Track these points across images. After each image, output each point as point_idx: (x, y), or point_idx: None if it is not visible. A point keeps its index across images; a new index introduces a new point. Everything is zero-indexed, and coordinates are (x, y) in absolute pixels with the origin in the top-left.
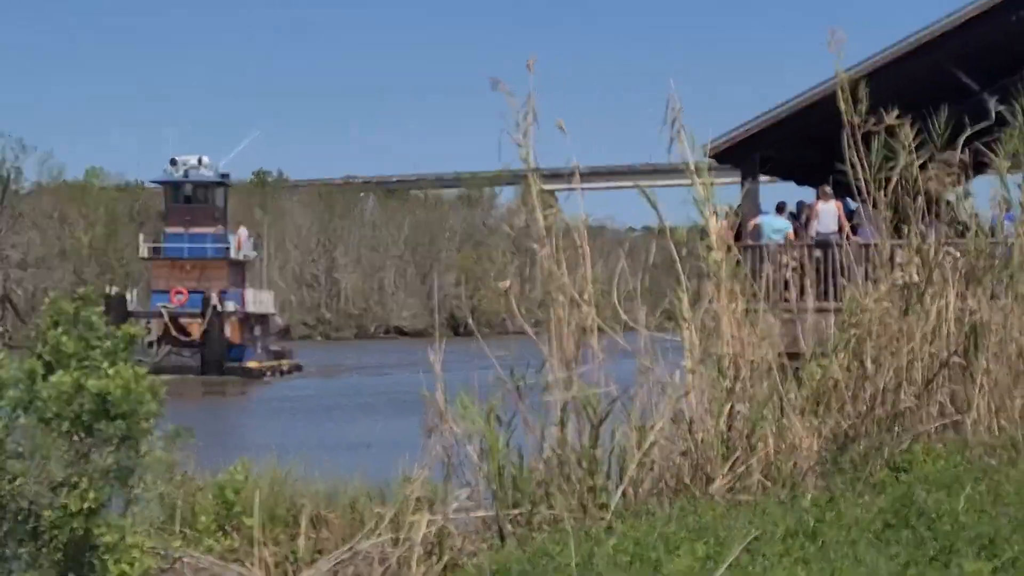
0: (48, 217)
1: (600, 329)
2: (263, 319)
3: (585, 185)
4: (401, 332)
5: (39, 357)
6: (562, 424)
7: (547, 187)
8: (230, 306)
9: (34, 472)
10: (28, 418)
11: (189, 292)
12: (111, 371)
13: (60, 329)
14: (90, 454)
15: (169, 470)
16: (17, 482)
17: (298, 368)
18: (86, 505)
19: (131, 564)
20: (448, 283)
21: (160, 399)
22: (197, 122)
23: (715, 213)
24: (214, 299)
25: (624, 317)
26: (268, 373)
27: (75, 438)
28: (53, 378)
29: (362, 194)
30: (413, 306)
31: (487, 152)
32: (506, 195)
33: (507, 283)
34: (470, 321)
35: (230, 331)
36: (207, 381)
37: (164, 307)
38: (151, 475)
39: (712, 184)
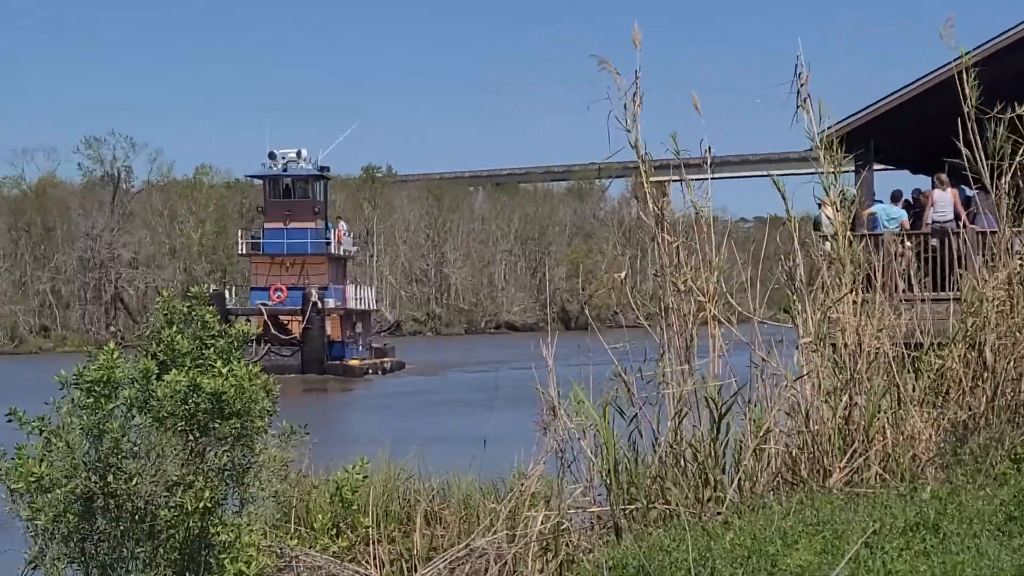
0: (158, 215)
1: (716, 320)
2: (365, 315)
3: (695, 176)
4: (511, 327)
5: (153, 356)
6: (678, 417)
7: (657, 179)
8: (330, 303)
9: (150, 471)
10: (143, 417)
11: (288, 289)
12: (225, 370)
13: (174, 328)
14: (205, 453)
15: (284, 468)
16: (133, 481)
17: (401, 366)
18: (201, 504)
19: (247, 563)
20: (558, 277)
21: (273, 397)
22: (295, 115)
23: (836, 199)
24: (314, 296)
25: (738, 308)
26: (370, 371)
27: (190, 437)
28: (168, 377)
29: (471, 188)
30: (523, 300)
31: (597, 145)
32: (616, 188)
33: (623, 273)
34: (585, 311)
35: (331, 328)
36: (307, 380)
37: (263, 305)
38: (266, 473)
39: (838, 169)
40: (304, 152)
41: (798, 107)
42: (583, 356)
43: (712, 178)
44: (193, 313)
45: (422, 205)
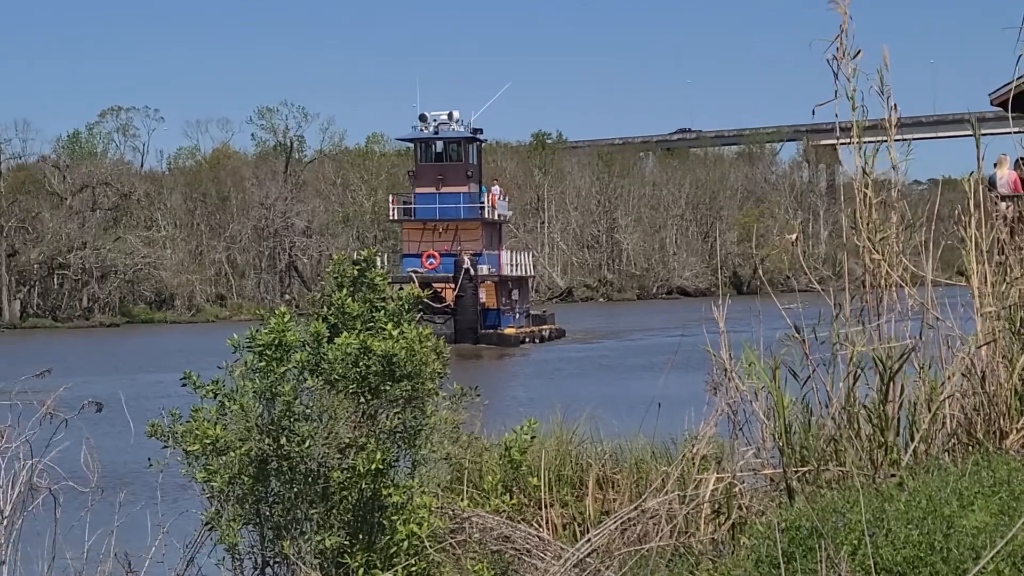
0: (331, 184)
1: (892, 283)
2: (522, 282)
3: (873, 138)
4: (683, 292)
5: (324, 320)
6: (852, 379)
7: (826, 142)
8: (484, 269)
9: (322, 434)
10: (315, 380)
11: (441, 255)
12: (395, 332)
13: (345, 292)
14: (376, 415)
15: (455, 430)
16: (306, 444)
17: (561, 334)
18: (373, 466)
19: (419, 524)
20: (729, 241)
21: (444, 360)
22: (446, 77)
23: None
24: (466, 262)
25: (912, 270)
26: (527, 339)
27: (361, 400)
28: (338, 340)
29: (641, 154)
30: (694, 265)
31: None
32: (787, 151)
33: (795, 235)
34: (758, 274)
35: (485, 296)
36: (460, 350)
37: (414, 272)
38: (437, 435)
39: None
40: (456, 114)
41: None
42: (755, 320)
43: (897, 140)
44: (363, 277)
45: (592, 171)
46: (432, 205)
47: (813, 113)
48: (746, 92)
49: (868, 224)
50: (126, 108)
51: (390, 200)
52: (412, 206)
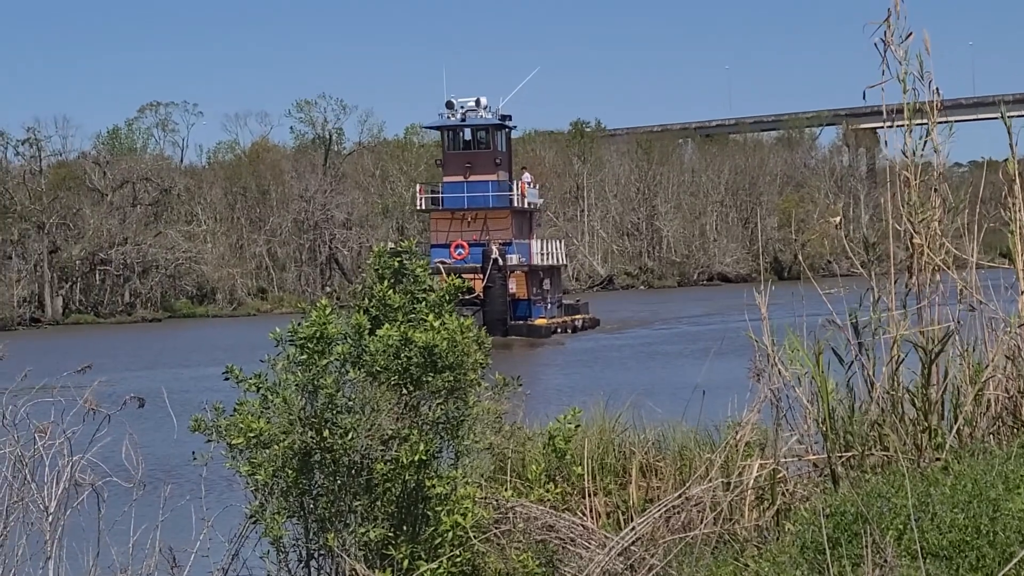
0: (370, 176)
1: (934, 266)
2: (554, 271)
3: (917, 122)
4: (724, 278)
5: (365, 312)
6: (894, 363)
7: (870, 126)
8: (513, 259)
9: (365, 425)
10: (357, 372)
11: (470, 245)
12: (436, 323)
13: (386, 283)
14: (419, 406)
15: (498, 420)
16: (349, 436)
17: (595, 323)
18: (417, 457)
19: (463, 515)
20: (770, 227)
21: (486, 350)
22: (482, 67)
23: None
24: (494, 252)
25: (956, 252)
26: (558, 330)
27: (404, 391)
28: (380, 332)
29: (680, 140)
30: (735, 251)
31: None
32: (826, 136)
33: (838, 218)
34: (799, 259)
35: (515, 286)
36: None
37: (442, 262)
38: (480, 426)
39: None
40: (484, 100)
41: None
42: (796, 306)
43: (939, 122)
44: (404, 268)
45: (632, 159)
46: (460, 194)
47: (864, 96)
48: (785, 77)
49: (911, 207)
50: (165, 103)
51: (417, 189)
52: (440, 195)
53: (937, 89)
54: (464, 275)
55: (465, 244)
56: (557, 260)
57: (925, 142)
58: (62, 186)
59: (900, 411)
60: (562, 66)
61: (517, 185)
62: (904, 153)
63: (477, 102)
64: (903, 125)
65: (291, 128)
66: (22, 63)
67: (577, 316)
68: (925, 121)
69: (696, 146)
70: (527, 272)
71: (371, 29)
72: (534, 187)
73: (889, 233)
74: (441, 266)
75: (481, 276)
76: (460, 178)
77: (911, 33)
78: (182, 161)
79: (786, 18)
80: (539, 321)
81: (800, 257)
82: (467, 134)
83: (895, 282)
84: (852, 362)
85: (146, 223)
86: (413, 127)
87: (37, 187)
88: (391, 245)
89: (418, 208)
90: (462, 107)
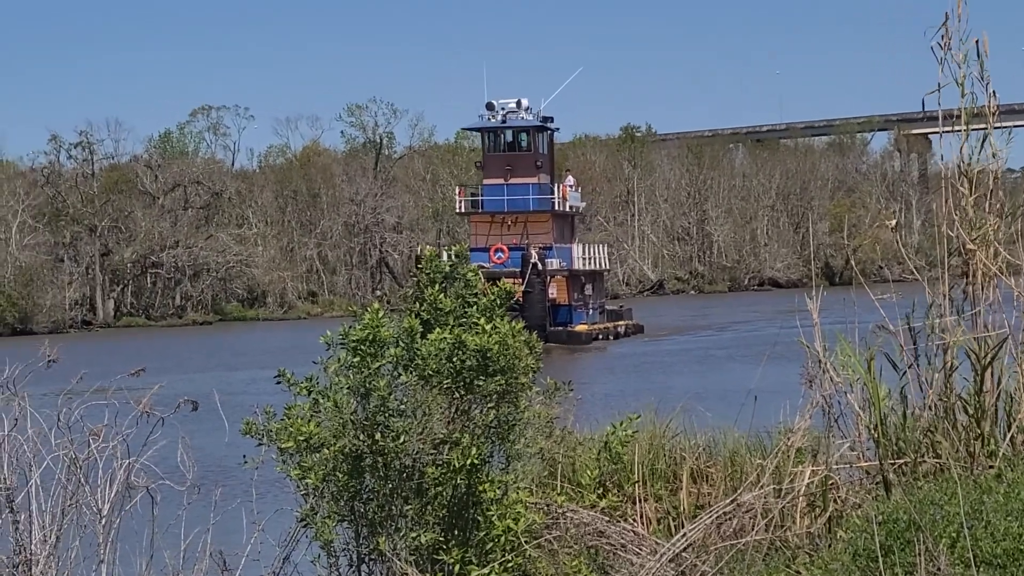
0: (420, 179)
1: (990, 272)
2: (596, 276)
3: (974, 127)
4: (775, 283)
5: (417, 315)
6: (947, 370)
7: (919, 131)
8: (553, 263)
9: (416, 429)
10: (409, 376)
11: (510, 249)
12: (489, 327)
13: (437, 287)
14: (470, 410)
15: (549, 425)
16: (400, 439)
17: (639, 329)
18: (468, 461)
19: (515, 519)
20: (821, 232)
21: (537, 354)
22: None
23: None
24: (533, 256)
25: (1009, 259)
26: (599, 336)
27: (455, 395)
28: (432, 336)
29: (731, 145)
30: (786, 256)
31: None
32: (878, 141)
33: (894, 221)
34: (851, 264)
35: (556, 291)
36: None
37: (481, 266)
38: (531, 430)
39: None
40: (525, 102)
41: None
42: (848, 311)
43: (996, 127)
44: (455, 272)
45: (682, 163)
46: (500, 197)
47: (923, 104)
48: (836, 82)
49: (966, 213)
50: (216, 107)
51: (457, 192)
52: (480, 198)
53: (994, 93)
54: (504, 279)
55: (505, 248)
56: (600, 265)
57: (982, 147)
58: (114, 189)
59: (953, 418)
60: (611, 70)
61: (559, 188)
62: (960, 159)
63: (518, 103)
64: (960, 130)
65: (342, 132)
66: (75, 67)
67: (620, 322)
68: (982, 126)
69: (747, 151)
70: (568, 277)
71: (422, 33)
72: (576, 190)
73: (943, 239)
74: (479, 270)
75: (520, 281)
76: (500, 181)
77: (976, 38)
78: (233, 164)
79: (838, 23)
80: (579, 327)
81: (852, 262)
82: (508, 136)
83: (949, 288)
84: (905, 369)
85: (197, 226)
86: (463, 132)
87: (89, 190)
88: (428, 248)
89: (457, 211)
90: (503, 108)
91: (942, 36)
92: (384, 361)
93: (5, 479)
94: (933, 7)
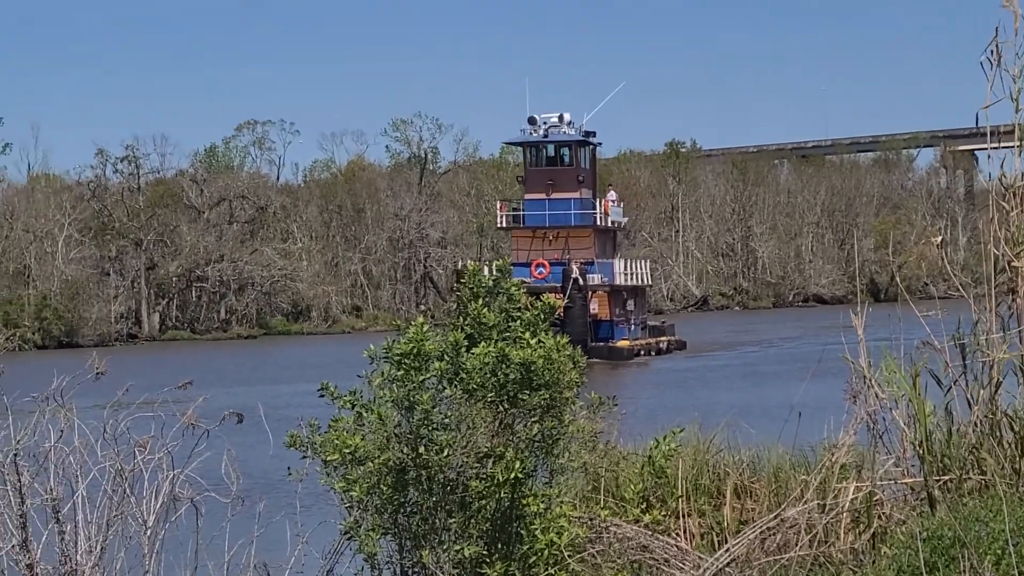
0: (465, 195)
1: None
2: (638, 292)
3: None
4: (819, 300)
5: (461, 329)
6: (994, 386)
7: (965, 147)
8: (595, 278)
9: (460, 443)
10: (453, 389)
11: (551, 264)
12: (533, 341)
13: (481, 302)
14: (514, 424)
15: (593, 439)
16: (445, 453)
17: (682, 345)
18: (512, 475)
19: (558, 533)
20: (866, 248)
21: (581, 369)
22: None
23: None
24: (574, 271)
25: None
26: (641, 352)
27: (499, 408)
28: (476, 349)
29: (776, 161)
30: (831, 273)
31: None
32: (924, 157)
33: (939, 238)
34: (896, 281)
35: (597, 307)
36: None
37: (522, 281)
38: (575, 444)
39: None
40: (567, 116)
41: None
42: (893, 327)
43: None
44: (499, 286)
45: (727, 179)
46: (542, 212)
47: (976, 120)
48: (882, 98)
49: (1012, 230)
50: (262, 122)
51: (498, 207)
52: (521, 213)
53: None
54: (546, 294)
55: (546, 263)
56: (642, 280)
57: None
58: (160, 203)
59: (999, 435)
60: (656, 86)
61: (601, 203)
62: (1004, 175)
63: (560, 118)
64: (1012, 146)
65: (387, 147)
66: (122, 82)
67: (662, 338)
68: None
69: (792, 167)
70: (609, 292)
71: (468, 47)
72: (619, 205)
73: (989, 256)
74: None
75: (561, 296)
76: (542, 195)
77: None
78: (278, 179)
79: (882, 39)
80: (621, 343)
81: (897, 279)
82: (549, 150)
83: (996, 304)
84: (950, 385)
85: (242, 240)
86: (508, 147)
87: (135, 204)
88: (469, 263)
89: (498, 226)
90: (545, 123)
91: (992, 51)
92: (428, 375)
93: (52, 490)
94: (982, 23)
